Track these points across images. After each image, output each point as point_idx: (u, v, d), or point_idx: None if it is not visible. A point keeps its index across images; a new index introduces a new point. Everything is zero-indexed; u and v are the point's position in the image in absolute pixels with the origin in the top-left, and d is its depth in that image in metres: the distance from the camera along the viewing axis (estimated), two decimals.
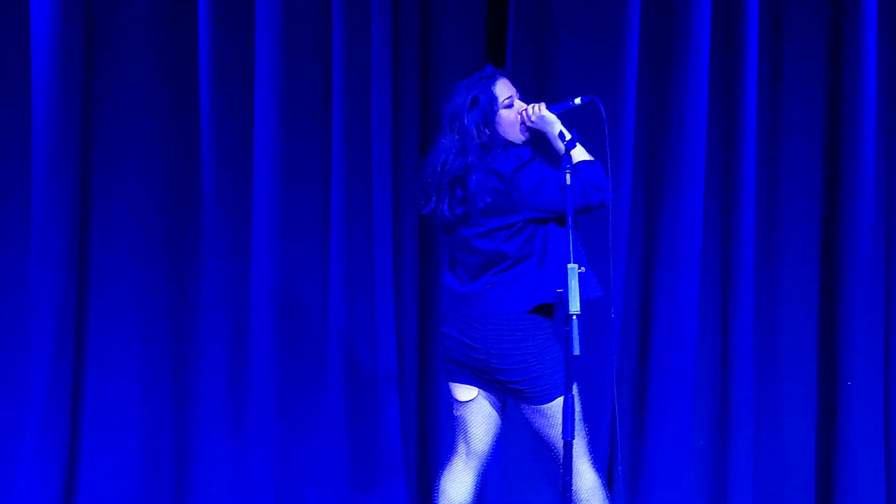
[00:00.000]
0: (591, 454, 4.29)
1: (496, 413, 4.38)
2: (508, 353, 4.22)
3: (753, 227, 5.84)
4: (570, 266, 3.96)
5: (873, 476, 5.90)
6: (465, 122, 4.27)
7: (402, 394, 5.71)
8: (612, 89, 5.68)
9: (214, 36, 5.58)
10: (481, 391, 4.33)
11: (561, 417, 4.02)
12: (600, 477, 4.31)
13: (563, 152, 4.20)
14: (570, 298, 3.92)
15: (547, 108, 4.31)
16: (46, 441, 5.54)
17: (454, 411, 4.38)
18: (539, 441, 4.32)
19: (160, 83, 5.65)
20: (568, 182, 4.10)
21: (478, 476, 4.39)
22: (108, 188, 5.64)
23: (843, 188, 5.92)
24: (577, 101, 4.31)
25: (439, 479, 4.41)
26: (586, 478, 4.27)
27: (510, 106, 4.32)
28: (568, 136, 4.24)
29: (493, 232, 4.24)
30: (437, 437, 5.76)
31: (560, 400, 4.15)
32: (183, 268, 5.70)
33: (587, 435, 4.27)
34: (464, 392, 4.34)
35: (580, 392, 4.16)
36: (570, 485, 3.97)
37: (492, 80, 4.31)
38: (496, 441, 4.41)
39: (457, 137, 4.28)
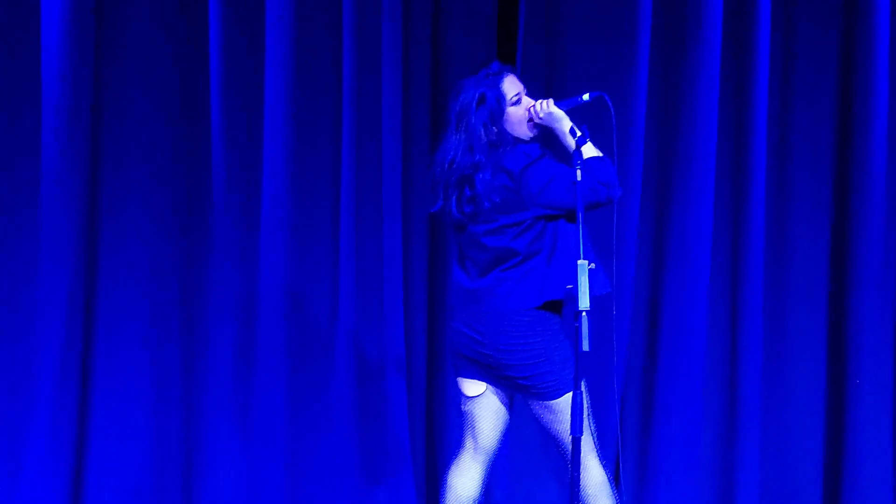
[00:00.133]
0: (599, 450, 4.29)
1: (504, 408, 4.39)
2: (517, 349, 4.23)
3: (763, 225, 5.84)
4: (580, 262, 3.97)
5: (881, 474, 5.89)
6: (473, 120, 4.27)
7: (411, 388, 5.72)
8: (623, 86, 5.68)
9: (225, 36, 5.59)
10: (489, 386, 4.34)
11: (569, 413, 4.02)
12: (608, 473, 4.32)
13: (574, 148, 4.20)
14: (579, 295, 3.93)
15: (555, 104, 4.31)
16: (54, 437, 5.55)
17: (462, 406, 4.39)
18: (547, 437, 4.33)
19: (170, 83, 5.66)
20: (578, 178, 4.10)
21: (485, 471, 4.40)
22: (117, 187, 5.65)
23: (854, 186, 5.91)
24: (586, 97, 4.32)
25: (447, 474, 4.41)
26: (594, 474, 4.27)
27: (518, 103, 4.32)
28: (579, 133, 4.24)
29: (503, 229, 4.24)
30: (445, 431, 5.76)
31: (568, 396, 4.15)
32: (192, 265, 5.71)
33: (595, 431, 4.28)
34: (472, 387, 4.35)
35: (588, 388, 4.16)
36: (578, 481, 3.98)
37: (499, 77, 4.31)
38: (504, 436, 4.42)
39: (464, 136, 4.28)
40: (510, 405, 4.41)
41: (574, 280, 3.96)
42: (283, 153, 5.63)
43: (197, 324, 5.70)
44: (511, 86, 4.31)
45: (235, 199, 5.67)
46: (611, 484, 4.31)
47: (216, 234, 5.65)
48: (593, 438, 4.25)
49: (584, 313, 3.90)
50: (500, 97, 4.29)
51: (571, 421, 3.96)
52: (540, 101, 4.32)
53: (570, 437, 3.98)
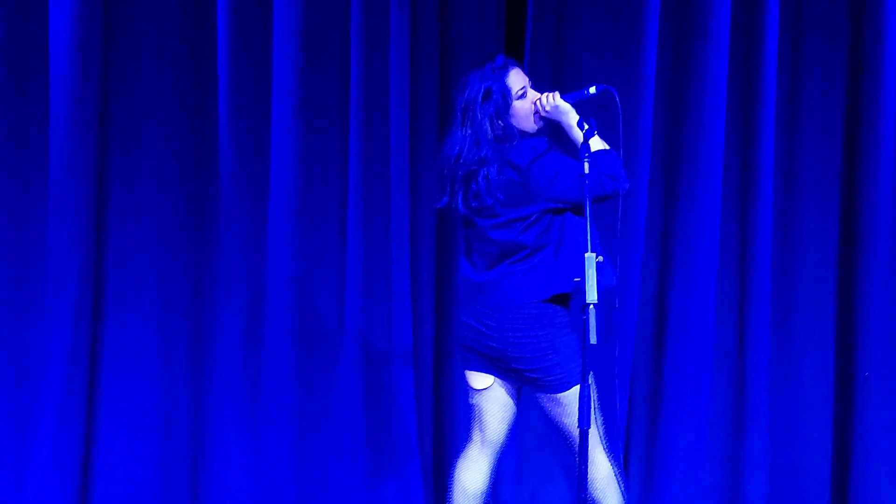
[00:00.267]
0: (606, 443, 4.29)
1: (511, 401, 4.39)
2: (524, 342, 4.23)
3: (771, 218, 5.83)
4: (587, 255, 3.96)
5: (890, 468, 5.88)
6: (478, 115, 4.26)
7: (418, 381, 5.73)
8: (631, 79, 5.67)
9: (233, 27, 5.60)
10: (497, 379, 4.34)
11: (577, 406, 4.02)
12: (616, 466, 4.32)
13: (582, 141, 4.20)
14: (587, 287, 3.93)
15: (561, 97, 4.31)
16: (62, 431, 5.56)
17: (470, 399, 4.39)
18: (554, 429, 4.33)
19: (178, 75, 5.68)
20: (586, 171, 4.10)
21: (492, 464, 4.40)
22: (125, 177, 5.67)
23: (862, 179, 5.90)
24: (592, 90, 4.31)
25: (454, 467, 4.42)
26: (601, 467, 4.27)
27: (523, 96, 4.32)
28: (586, 126, 4.24)
29: (510, 223, 4.24)
30: (452, 423, 5.77)
31: (576, 389, 4.14)
32: (200, 256, 5.72)
33: (603, 424, 4.28)
34: (479, 380, 4.35)
35: (596, 381, 4.16)
36: (586, 474, 3.98)
37: (504, 71, 4.30)
38: (511, 429, 4.42)
39: (470, 131, 4.27)
40: (518, 398, 4.41)
41: (581, 273, 3.96)
42: (291, 146, 5.64)
43: (205, 315, 5.71)
44: (516, 79, 4.31)
45: (243, 190, 5.68)
46: (618, 476, 4.31)
47: (224, 225, 5.65)
48: (601, 431, 4.26)
49: (591, 306, 3.90)
50: (506, 91, 4.28)
51: (579, 413, 3.96)
52: (546, 94, 4.32)
53: (578, 430, 3.98)
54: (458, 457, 4.43)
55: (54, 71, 5.50)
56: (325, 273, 5.74)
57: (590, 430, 4.00)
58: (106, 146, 5.64)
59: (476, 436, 4.39)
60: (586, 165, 4.10)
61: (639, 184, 5.69)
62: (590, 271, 3.94)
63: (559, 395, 4.25)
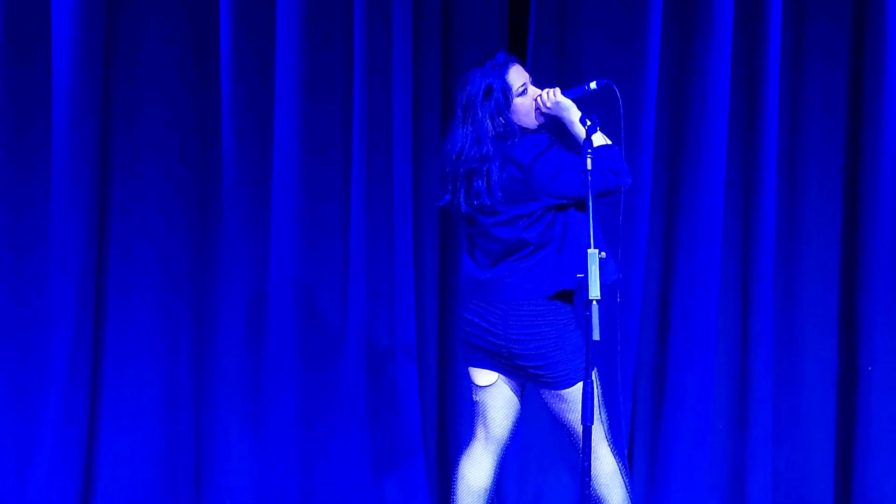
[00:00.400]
0: (610, 439, 4.29)
1: (516, 398, 4.39)
2: (528, 339, 4.23)
3: (774, 213, 5.82)
4: (590, 251, 3.96)
5: (893, 462, 5.88)
6: (480, 112, 4.26)
7: (422, 378, 5.73)
8: (634, 74, 5.67)
9: (235, 33, 5.59)
10: (501, 376, 4.34)
11: (580, 402, 4.02)
12: (620, 462, 4.32)
13: (584, 137, 4.20)
14: (590, 283, 3.93)
15: (562, 93, 4.31)
16: (65, 428, 5.57)
17: (473, 396, 4.39)
18: (559, 426, 4.33)
19: (181, 76, 5.68)
20: (589, 167, 4.10)
21: (496, 461, 4.40)
22: (128, 178, 5.67)
23: (865, 174, 5.89)
24: (593, 85, 4.30)
25: (458, 464, 4.42)
26: (606, 462, 4.28)
27: (524, 93, 4.32)
28: (588, 121, 4.23)
29: (513, 220, 4.24)
30: (456, 420, 5.77)
31: (580, 385, 4.15)
32: (202, 259, 5.72)
33: (607, 420, 4.28)
34: (483, 377, 4.35)
35: (600, 377, 4.16)
36: (590, 469, 3.97)
37: (504, 68, 4.30)
38: (515, 426, 4.42)
39: (471, 128, 4.27)
40: (522, 395, 4.41)
41: (585, 269, 3.96)
42: (293, 146, 5.64)
43: (208, 313, 5.71)
44: (517, 76, 4.31)
45: (246, 192, 5.68)
46: (622, 472, 4.32)
47: (226, 228, 5.66)
48: (605, 427, 4.26)
49: (594, 302, 3.90)
50: (507, 88, 4.28)
51: (583, 410, 3.96)
52: (547, 90, 4.32)
53: (582, 426, 3.97)
54: (461, 454, 4.44)
55: (56, 58, 5.50)
56: (328, 270, 5.74)
57: (594, 427, 3.99)
58: (108, 141, 5.64)
59: (480, 433, 4.39)
60: (589, 161, 4.10)
61: (641, 181, 5.69)
62: (593, 267, 3.94)
63: (563, 391, 4.25)
